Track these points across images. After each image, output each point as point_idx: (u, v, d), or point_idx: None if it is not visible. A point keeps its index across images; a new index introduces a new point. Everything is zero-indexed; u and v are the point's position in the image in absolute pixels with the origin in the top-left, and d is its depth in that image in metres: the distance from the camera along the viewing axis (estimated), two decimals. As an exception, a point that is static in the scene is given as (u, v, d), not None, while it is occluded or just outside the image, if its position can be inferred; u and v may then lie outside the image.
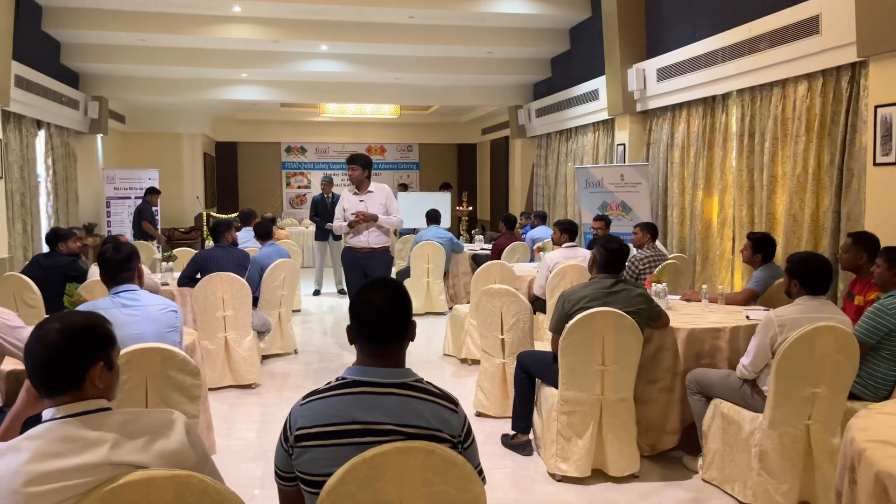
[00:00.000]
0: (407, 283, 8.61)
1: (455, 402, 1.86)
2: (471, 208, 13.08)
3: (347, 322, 1.92)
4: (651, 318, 3.83)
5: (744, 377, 3.47)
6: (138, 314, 3.00)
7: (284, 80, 11.59)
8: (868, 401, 3.47)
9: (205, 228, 11.07)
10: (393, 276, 9.35)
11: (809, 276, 3.31)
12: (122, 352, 2.77)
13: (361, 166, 6.02)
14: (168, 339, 3.01)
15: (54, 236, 5.56)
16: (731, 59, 6.60)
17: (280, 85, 11.74)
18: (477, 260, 8.63)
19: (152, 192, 10.15)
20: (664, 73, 7.76)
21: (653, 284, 4.58)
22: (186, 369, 2.86)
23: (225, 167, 16.09)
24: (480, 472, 1.88)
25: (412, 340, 1.94)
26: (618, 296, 3.72)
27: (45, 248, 5.96)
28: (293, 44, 10.01)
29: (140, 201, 10.94)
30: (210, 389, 5.44)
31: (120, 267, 3.05)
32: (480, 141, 16.14)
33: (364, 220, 5.91)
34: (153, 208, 10.14)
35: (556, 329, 3.75)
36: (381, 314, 1.85)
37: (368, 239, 5.98)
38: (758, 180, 6.41)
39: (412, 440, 1.73)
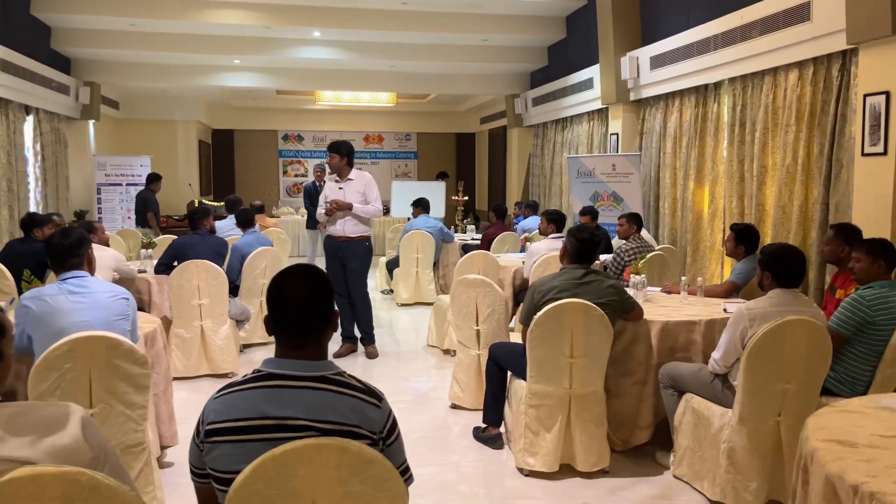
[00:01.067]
0: (396, 272, 8.55)
1: (379, 397, 1.77)
2: (467, 198, 12.96)
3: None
4: (623, 310, 3.73)
5: (715, 372, 3.38)
6: (86, 301, 2.92)
7: (278, 66, 11.48)
8: (844, 397, 3.37)
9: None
10: (382, 265, 9.29)
11: (782, 268, 3.21)
12: (65, 339, 2.71)
13: (340, 154, 5.87)
14: (117, 326, 2.93)
15: (30, 222, 5.48)
16: (724, 46, 6.46)
17: (273, 72, 11.63)
18: (467, 250, 8.52)
19: (155, 178, 9.85)
20: (657, 62, 7.62)
21: (631, 276, 4.48)
22: (133, 359, 2.78)
23: (222, 155, 16.01)
24: (405, 471, 1.80)
25: (334, 331, 1.85)
26: (588, 287, 3.62)
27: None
28: (285, 30, 9.90)
29: (135, 189, 10.87)
30: (186, 378, 5.39)
31: (68, 252, 2.97)
32: (479, 130, 16.01)
33: (339, 209, 5.80)
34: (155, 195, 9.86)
35: (525, 320, 3.66)
36: (296, 302, 1.75)
37: (344, 228, 5.87)
38: (748, 171, 6.29)
39: (327, 436, 1.64)
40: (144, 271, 5.72)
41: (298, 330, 1.75)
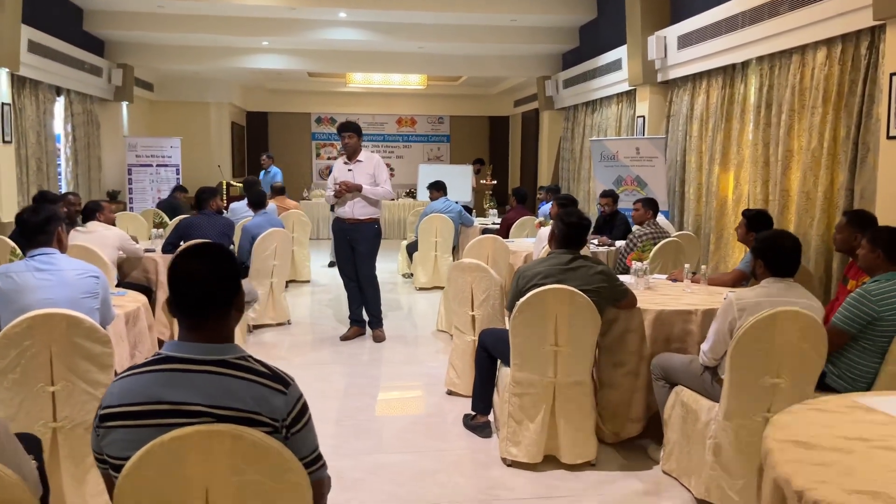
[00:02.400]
0: (415, 257, 8.47)
1: (285, 383, 1.68)
2: (495, 182, 12.79)
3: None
4: (614, 297, 3.57)
5: (704, 364, 3.21)
6: (52, 279, 2.91)
7: (306, 48, 11.45)
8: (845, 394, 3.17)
9: (225, 197, 11.10)
10: (403, 248, 9.22)
11: (774, 256, 3.02)
12: (24, 316, 2.70)
13: (358, 134, 5.80)
14: (83, 305, 2.91)
15: (41, 199, 5.56)
16: (752, 23, 6.18)
17: (302, 53, 11.61)
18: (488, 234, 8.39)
19: (180, 189, 9.73)
20: (685, 41, 7.34)
21: (633, 262, 4.31)
22: (94, 337, 2.76)
23: (256, 137, 16.13)
24: (315, 461, 1.72)
25: (240, 312, 1.76)
26: (575, 273, 3.47)
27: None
28: (311, 11, 9.84)
29: (164, 169, 11.03)
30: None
31: (37, 229, 2.96)
32: (513, 113, 15.78)
33: (348, 191, 5.73)
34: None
35: (510, 306, 3.54)
36: (195, 282, 1.66)
37: (353, 210, 5.78)
38: (773, 155, 6.01)
39: (221, 423, 1.56)
40: (153, 250, 5.76)
41: (198, 311, 1.67)
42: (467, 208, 12.13)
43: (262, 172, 11.12)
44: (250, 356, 1.72)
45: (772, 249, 3.02)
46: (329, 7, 9.64)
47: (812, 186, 5.45)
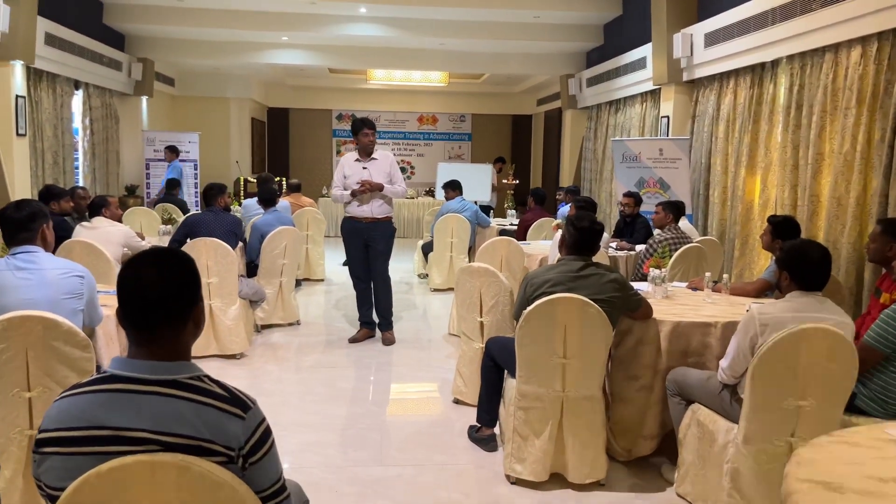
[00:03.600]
0: (431, 257, 8.30)
1: (245, 407, 1.49)
2: (517, 182, 12.57)
3: None
4: (627, 307, 3.37)
5: (723, 382, 3.00)
6: (32, 278, 2.77)
7: (325, 44, 11.33)
8: (877, 417, 2.95)
9: (242, 193, 11.03)
10: (419, 248, 9.05)
11: (801, 268, 2.79)
12: (0, 318, 2.56)
13: (374, 130, 5.69)
14: (64, 306, 2.78)
15: (47, 194, 5.47)
16: (782, 20, 5.91)
17: (321, 49, 11.49)
18: (505, 235, 8.19)
19: (176, 185, 9.64)
20: (712, 39, 7.07)
21: (651, 270, 4.09)
22: (73, 341, 2.62)
23: (277, 133, 16.07)
24: (276, 494, 1.54)
25: (198, 326, 1.59)
26: (586, 281, 3.27)
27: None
28: (331, 5, 9.71)
29: (182, 164, 10.96)
30: (194, 358, 5.27)
31: (20, 226, 2.82)
32: (536, 112, 15.53)
33: (370, 190, 5.57)
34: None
35: (517, 315, 3.35)
36: (144, 292, 1.48)
37: (372, 209, 5.61)
38: (803, 158, 5.74)
39: (167, 452, 1.39)
40: (160, 247, 5.64)
41: (147, 324, 1.49)
42: (488, 208, 11.95)
43: (169, 168, 10.38)
44: (206, 376, 1.54)
45: (798, 261, 2.80)
46: (349, 2, 9.50)
47: (844, 192, 5.19)
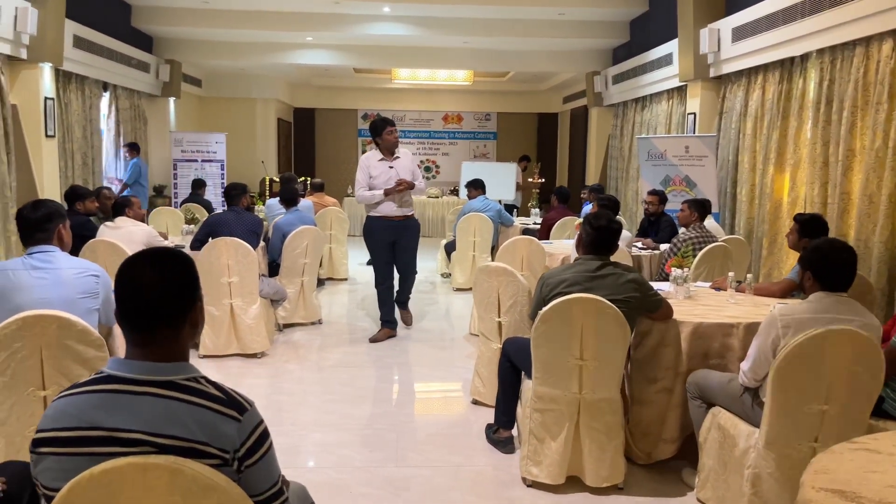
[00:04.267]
0: (453, 256, 8.27)
1: (241, 409, 1.48)
2: (542, 180, 12.47)
3: None
4: (646, 308, 3.30)
5: (744, 384, 2.92)
6: (48, 277, 2.79)
7: (350, 43, 11.35)
8: (906, 423, 2.85)
9: (267, 193, 11.10)
10: (442, 248, 9.02)
11: (825, 267, 2.70)
12: (14, 317, 2.58)
13: (395, 128, 5.74)
14: (79, 305, 2.79)
15: (73, 194, 5.54)
16: (812, 13, 5.76)
17: (346, 49, 11.52)
18: (529, 235, 8.12)
19: (201, 184, 9.67)
20: (739, 33, 6.93)
21: (673, 269, 4.01)
22: (87, 340, 2.63)
23: (303, 133, 16.14)
24: (274, 497, 1.52)
25: (195, 327, 1.57)
26: (603, 281, 3.21)
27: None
28: (355, 5, 9.72)
29: (210, 165, 11.09)
30: (215, 357, 5.33)
31: (36, 226, 2.85)
32: (562, 110, 15.39)
33: (408, 188, 5.61)
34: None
35: (533, 315, 3.30)
36: (140, 292, 1.47)
37: (402, 207, 5.70)
38: (833, 155, 5.59)
39: (161, 454, 1.38)
40: (182, 247, 5.69)
41: (144, 325, 1.48)
42: (513, 207, 11.88)
43: (129, 167, 9.73)
44: (203, 377, 1.52)
45: (822, 261, 2.71)
46: (373, 1, 9.50)
47: (875, 189, 5.04)
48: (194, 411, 1.44)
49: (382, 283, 5.87)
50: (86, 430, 1.41)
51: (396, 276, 5.99)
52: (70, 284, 2.83)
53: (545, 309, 3.14)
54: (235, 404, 1.48)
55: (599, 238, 3.27)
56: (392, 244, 5.74)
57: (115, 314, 1.52)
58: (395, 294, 6.02)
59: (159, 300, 1.48)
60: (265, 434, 1.51)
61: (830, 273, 2.70)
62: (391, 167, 5.63)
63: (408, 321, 6.19)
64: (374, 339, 5.89)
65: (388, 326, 6.00)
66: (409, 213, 5.77)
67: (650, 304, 3.29)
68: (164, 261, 1.52)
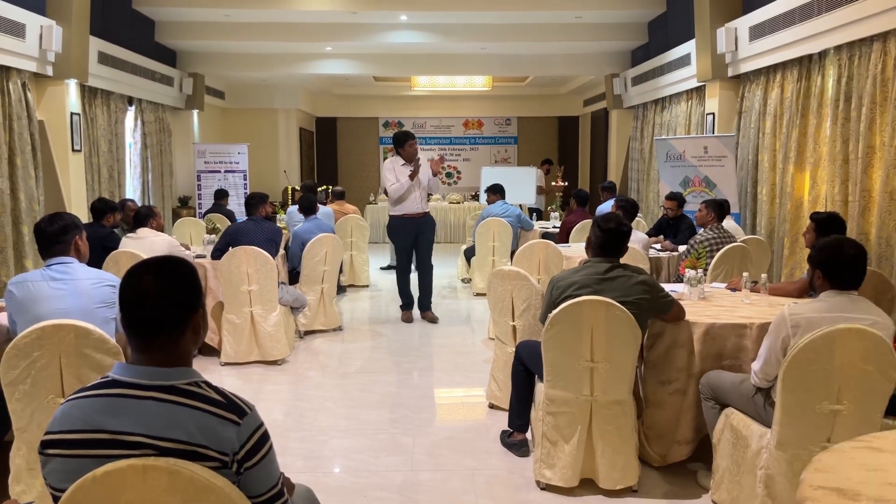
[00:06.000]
0: (473, 261, 8.29)
1: (241, 413, 1.51)
2: (566, 184, 12.44)
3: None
4: (657, 309, 3.29)
5: (756, 385, 2.90)
6: (66, 288, 2.88)
7: (369, 52, 11.45)
8: (923, 422, 2.81)
9: (290, 202, 11.22)
10: (462, 253, 9.05)
11: (834, 265, 2.68)
12: (34, 327, 2.67)
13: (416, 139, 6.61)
14: (97, 314, 2.87)
15: (102, 207, 5.65)
16: (829, 10, 5.71)
17: (365, 58, 11.62)
18: (548, 239, 8.10)
19: (223, 195, 9.77)
20: (757, 32, 6.88)
21: (687, 271, 3.99)
22: (104, 348, 2.70)
23: (325, 142, 16.30)
24: (274, 499, 1.55)
25: (197, 333, 1.60)
26: (613, 283, 3.21)
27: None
28: (372, 15, 9.81)
29: (233, 175, 11.25)
30: (236, 364, 5.42)
31: (53, 239, 2.94)
32: (583, 113, 15.36)
33: (418, 166, 6.39)
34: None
35: (543, 318, 3.31)
36: (142, 298, 1.52)
37: (422, 204, 6.59)
38: (853, 152, 5.53)
39: (161, 457, 1.42)
40: (204, 256, 5.79)
41: (146, 330, 1.53)
42: (537, 211, 11.86)
43: None
44: (205, 382, 1.56)
45: (831, 258, 2.69)
46: (389, 10, 9.58)
47: (896, 186, 4.97)
48: (195, 415, 1.48)
49: (402, 272, 6.78)
50: (90, 432, 1.46)
51: (414, 278, 6.85)
52: (87, 294, 2.90)
53: (555, 312, 3.15)
54: (235, 408, 1.52)
55: (608, 240, 3.27)
56: (414, 238, 6.60)
57: (121, 321, 1.57)
58: (413, 293, 6.88)
59: (161, 308, 1.53)
60: (265, 437, 1.55)
61: (840, 271, 2.68)
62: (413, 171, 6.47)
63: (432, 320, 6.81)
64: (404, 320, 6.85)
65: (407, 309, 6.93)
66: (427, 211, 6.67)
67: (661, 305, 3.28)
68: (166, 269, 1.57)
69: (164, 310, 1.53)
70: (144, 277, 1.54)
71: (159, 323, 1.53)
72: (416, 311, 6.97)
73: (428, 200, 6.80)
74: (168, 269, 1.57)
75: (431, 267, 6.80)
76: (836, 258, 2.68)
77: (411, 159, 6.42)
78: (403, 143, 6.45)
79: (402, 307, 6.94)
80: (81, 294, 2.89)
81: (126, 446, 1.45)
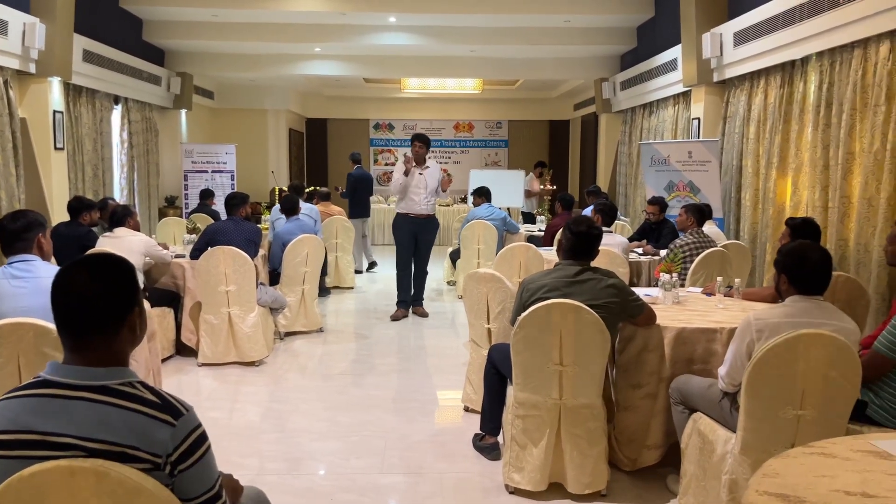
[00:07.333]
0: (458, 264, 8.27)
1: (176, 414, 1.48)
2: (553, 187, 12.45)
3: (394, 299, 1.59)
4: (627, 313, 3.28)
5: (723, 389, 2.89)
6: (27, 286, 2.85)
7: (358, 54, 11.43)
8: (890, 428, 2.80)
9: (276, 203, 11.18)
10: (447, 256, 9.03)
11: (800, 271, 2.67)
12: (-8, 326, 2.63)
13: (427, 145, 6.89)
14: (59, 314, 2.83)
15: (78, 205, 5.62)
16: (811, 16, 5.72)
17: (354, 59, 11.60)
18: (534, 242, 8.10)
19: (209, 195, 9.72)
20: (741, 37, 6.89)
21: (661, 274, 3.98)
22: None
23: (316, 143, 16.27)
24: (212, 500, 1.53)
25: (134, 332, 1.58)
26: (583, 286, 3.20)
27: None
28: (361, 16, 9.79)
29: (220, 175, 11.21)
30: (214, 365, 5.38)
31: (15, 236, 2.90)
32: (573, 117, 15.37)
33: (413, 160, 6.76)
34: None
35: (513, 321, 3.29)
36: (76, 296, 1.49)
37: (427, 206, 6.82)
38: (833, 158, 5.54)
39: (89, 458, 1.40)
40: (183, 256, 5.75)
41: (78, 330, 1.50)
42: (530, 215, 11.85)
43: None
44: (140, 382, 1.54)
45: (795, 264, 2.68)
46: (378, 12, 9.56)
47: (874, 192, 4.98)
48: (126, 416, 1.45)
49: (403, 269, 6.99)
50: (19, 433, 1.43)
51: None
52: (49, 293, 2.86)
53: (524, 314, 3.13)
54: (170, 409, 1.50)
55: (579, 243, 3.26)
56: (415, 237, 6.87)
57: (54, 320, 1.54)
58: (412, 290, 7.10)
59: (92, 306, 1.50)
60: (201, 438, 1.52)
61: (804, 276, 2.67)
62: (421, 174, 6.82)
63: (423, 314, 7.11)
64: (394, 318, 6.97)
65: (402, 307, 7.05)
66: (432, 213, 6.95)
67: (631, 309, 3.27)
68: (99, 267, 1.54)
69: (96, 308, 1.50)
70: (76, 276, 1.52)
71: (90, 321, 1.50)
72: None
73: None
74: (103, 267, 1.54)
75: (426, 268, 7.13)
76: (800, 264, 2.67)
77: (419, 162, 6.81)
78: (411, 144, 6.91)
79: (397, 304, 7.10)
80: (43, 292, 2.81)
81: (55, 447, 1.42)
